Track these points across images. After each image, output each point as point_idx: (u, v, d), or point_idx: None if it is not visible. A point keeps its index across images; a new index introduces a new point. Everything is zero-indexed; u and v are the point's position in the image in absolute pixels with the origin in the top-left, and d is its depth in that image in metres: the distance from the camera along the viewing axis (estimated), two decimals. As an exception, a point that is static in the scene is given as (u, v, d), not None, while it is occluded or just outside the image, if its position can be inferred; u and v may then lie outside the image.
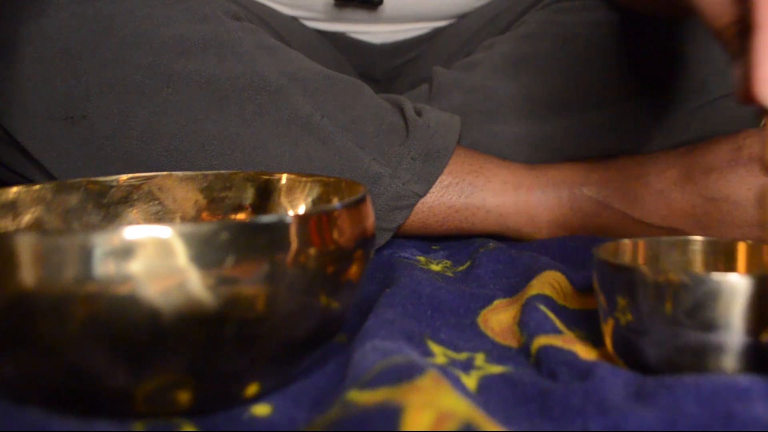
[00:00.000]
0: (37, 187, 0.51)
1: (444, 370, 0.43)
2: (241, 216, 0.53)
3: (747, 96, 0.40)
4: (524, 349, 0.47)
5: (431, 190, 0.68)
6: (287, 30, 0.85)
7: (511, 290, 0.57)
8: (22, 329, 0.34)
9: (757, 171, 0.64)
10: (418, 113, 0.69)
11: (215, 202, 0.54)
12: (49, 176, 0.66)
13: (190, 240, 0.34)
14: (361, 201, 0.41)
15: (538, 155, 0.74)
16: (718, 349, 0.39)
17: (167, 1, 0.66)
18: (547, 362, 0.44)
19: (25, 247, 0.33)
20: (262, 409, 0.39)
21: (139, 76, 0.64)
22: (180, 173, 0.54)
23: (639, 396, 0.38)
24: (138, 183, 0.54)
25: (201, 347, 0.35)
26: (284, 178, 0.53)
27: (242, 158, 0.64)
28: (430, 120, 0.68)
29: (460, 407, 0.34)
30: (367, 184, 0.64)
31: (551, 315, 0.49)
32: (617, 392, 0.38)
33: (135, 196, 0.54)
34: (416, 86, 0.82)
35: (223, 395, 0.39)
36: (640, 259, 0.48)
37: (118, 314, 0.34)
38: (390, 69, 0.95)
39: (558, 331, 0.47)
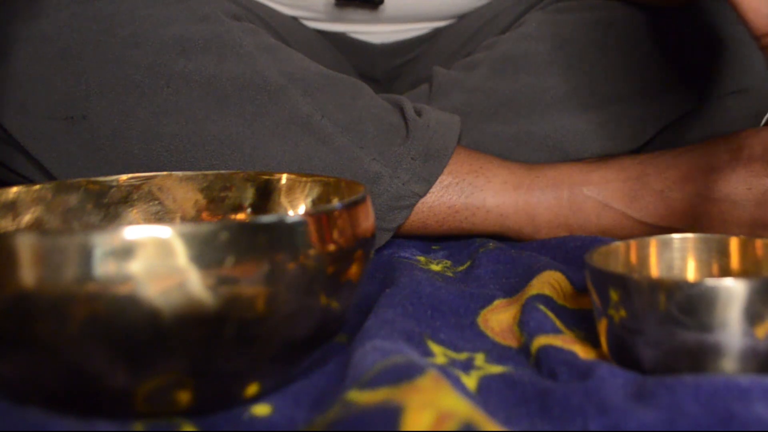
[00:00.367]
0: (37, 187, 0.51)
1: (444, 370, 0.43)
2: (241, 216, 0.53)
3: None
4: (524, 349, 0.47)
5: (431, 190, 0.68)
6: (287, 30, 0.85)
7: (511, 290, 0.57)
8: (22, 329, 0.34)
9: (757, 170, 0.64)
10: (418, 113, 0.69)
11: (215, 202, 0.54)
12: (49, 176, 0.66)
13: (190, 240, 0.34)
14: (361, 201, 0.41)
15: (538, 155, 0.74)
16: (711, 353, 0.39)
17: (167, 1, 0.66)
18: (547, 362, 0.44)
19: (25, 247, 0.33)
20: (262, 409, 0.39)
21: (139, 76, 0.64)
22: (180, 173, 0.54)
23: (639, 396, 0.38)
24: (138, 183, 0.54)
25: (201, 347, 0.36)
26: (284, 178, 0.53)
27: (242, 158, 0.64)
28: (430, 120, 0.68)
29: (460, 407, 0.34)
30: (367, 184, 0.64)
31: (551, 315, 0.49)
32: (617, 392, 0.38)
33: (135, 196, 0.54)
34: (416, 86, 0.81)
35: (223, 395, 0.39)
36: (633, 259, 0.48)
37: (118, 314, 0.34)
38: (390, 69, 0.95)
39: (558, 331, 0.47)
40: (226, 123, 0.64)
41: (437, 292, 0.53)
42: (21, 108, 0.64)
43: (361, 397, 0.35)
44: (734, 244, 0.47)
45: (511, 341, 0.49)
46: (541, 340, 0.46)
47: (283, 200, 0.52)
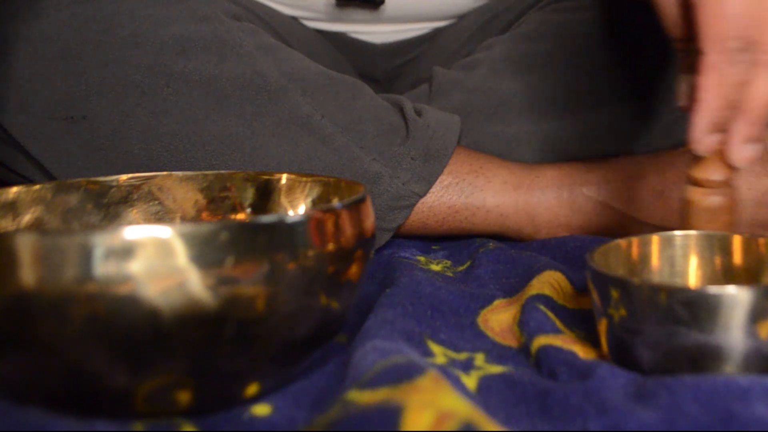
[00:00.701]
0: (37, 187, 0.51)
1: (444, 370, 0.43)
2: (241, 216, 0.53)
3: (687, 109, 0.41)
4: (524, 349, 0.47)
5: (431, 190, 0.68)
6: (287, 30, 0.85)
7: (511, 290, 0.57)
8: (22, 329, 0.34)
9: (757, 171, 0.64)
10: (418, 113, 0.69)
11: (215, 202, 0.54)
12: (49, 176, 0.66)
13: (190, 240, 0.34)
14: (361, 201, 0.41)
15: (538, 155, 0.74)
16: (712, 355, 0.39)
17: (167, 1, 0.66)
18: (547, 362, 0.44)
19: (25, 247, 0.33)
20: (262, 409, 0.39)
21: (139, 76, 0.64)
22: (180, 173, 0.54)
23: (639, 396, 0.38)
24: (138, 183, 0.54)
25: (201, 347, 0.36)
26: (284, 178, 0.53)
27: (242, 158, 0.64)
28: (430, 120, 0.68)
29: (460, 407, 0.34)
30: (367, 184, 0.64)
31: (551, 315, 0.49)
32: (617, 392, 0.38)
33: (135, 196, 0.54)
34: (416, 86, 0.81)
35: (223, 395, 0.39)
36: (635, 256, 0.48)
37: (118, 314, 0.34)
38: (390, 69, 0.95)
39: (558, 331, 0.47)
40: (226, 123, 0.64)
41: (437, 292, 0.53)
42: (21, 108, 0.64)
43: (361, 397, 0.35)
44: (736, 241, 0.47)
45: (511, 341, 0.49)
46: (541, 340, 0.46)
47: (283, 200, 0.52)
